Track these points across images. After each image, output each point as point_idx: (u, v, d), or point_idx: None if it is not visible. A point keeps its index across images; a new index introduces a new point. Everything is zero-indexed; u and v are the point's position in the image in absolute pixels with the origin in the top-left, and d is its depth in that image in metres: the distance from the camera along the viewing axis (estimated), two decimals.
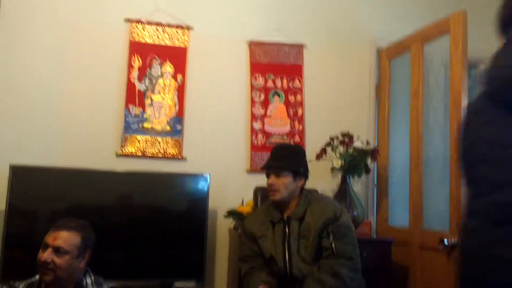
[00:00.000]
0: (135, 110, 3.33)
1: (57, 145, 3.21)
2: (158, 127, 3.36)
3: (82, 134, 3.25)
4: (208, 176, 3.15)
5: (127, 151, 3.29)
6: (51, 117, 3.23)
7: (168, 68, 3.42)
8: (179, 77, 3.43)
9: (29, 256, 2.15)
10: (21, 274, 2.17)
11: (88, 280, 2.08)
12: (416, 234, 3.13)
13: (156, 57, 3.41)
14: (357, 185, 3.50)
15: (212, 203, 3.18)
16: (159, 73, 3.40)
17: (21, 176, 2.89)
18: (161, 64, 3.41)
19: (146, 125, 3.34)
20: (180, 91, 3.43)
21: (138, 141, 3.32)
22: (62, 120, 3.24)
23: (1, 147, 3.11)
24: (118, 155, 3.28)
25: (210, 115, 3.49)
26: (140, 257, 3.02)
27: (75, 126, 3.25)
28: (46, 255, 1.98)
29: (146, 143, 3.33)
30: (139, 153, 3.31)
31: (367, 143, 3.35)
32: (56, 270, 1.97)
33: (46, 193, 2.97)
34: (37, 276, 2.07)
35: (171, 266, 3.05)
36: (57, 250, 1.98)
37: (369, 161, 3.31)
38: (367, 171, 3.32)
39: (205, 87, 3.49)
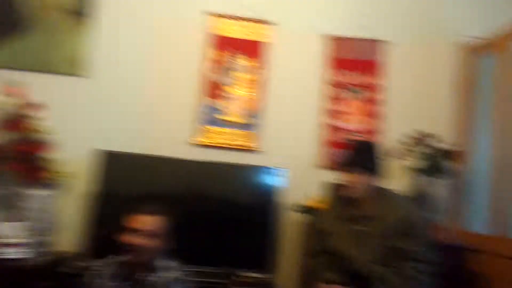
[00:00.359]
0: (212, 102, 3.43)
1: (138, 134, 3.38)
2: (234, 119, 3.44)
3: (160, 123, 3.42)
4: (282, 170, 3.19)
5: (204, 141, 3.40)
6: (135, 109, 3.42)
7: (246, 61, 3.48)
8: (256, 71, 3.48)
9: (111, 237, 2.26)
10: (104, 254, 2.31)
11: (163, 263, 2.18)
12: (496, 241, 2.97)
13: (235, 50, 3.48)
14: (435, 186, 3.38)
15: (284, 197, 3.20)
16: (237, 67, 3.47)
17: (109, 161, 3.06)
18: (239, 58, 3.48)
19: (222, 117, 3.43)
20: (257, 84, 3.48)
21: (216, 132, 3.42)
22: (143, 111, 3.42)
23: (90, 132, 3.33)
24: (195, 145, 3.40)
25: (286, 110, 3.51)
26: (210, 245, 3.10)
27: (153, 116, 3.42)
28: (135, 239, 2.10)
29: (222, 135, 3.42)
30: (216, 144, 3.41)
31: (447, 143, 3.22)
32: (145, 252, 2.11)
33: (127, 177, 3.15)
34: (114, 256, 2.19)
35: (239, 256, 3.11)
36: (146, 234, 2.11)
37: (448, 162, 3.18)
38: (446, 172, 3.19)
39: (281, 81, 3.52)
